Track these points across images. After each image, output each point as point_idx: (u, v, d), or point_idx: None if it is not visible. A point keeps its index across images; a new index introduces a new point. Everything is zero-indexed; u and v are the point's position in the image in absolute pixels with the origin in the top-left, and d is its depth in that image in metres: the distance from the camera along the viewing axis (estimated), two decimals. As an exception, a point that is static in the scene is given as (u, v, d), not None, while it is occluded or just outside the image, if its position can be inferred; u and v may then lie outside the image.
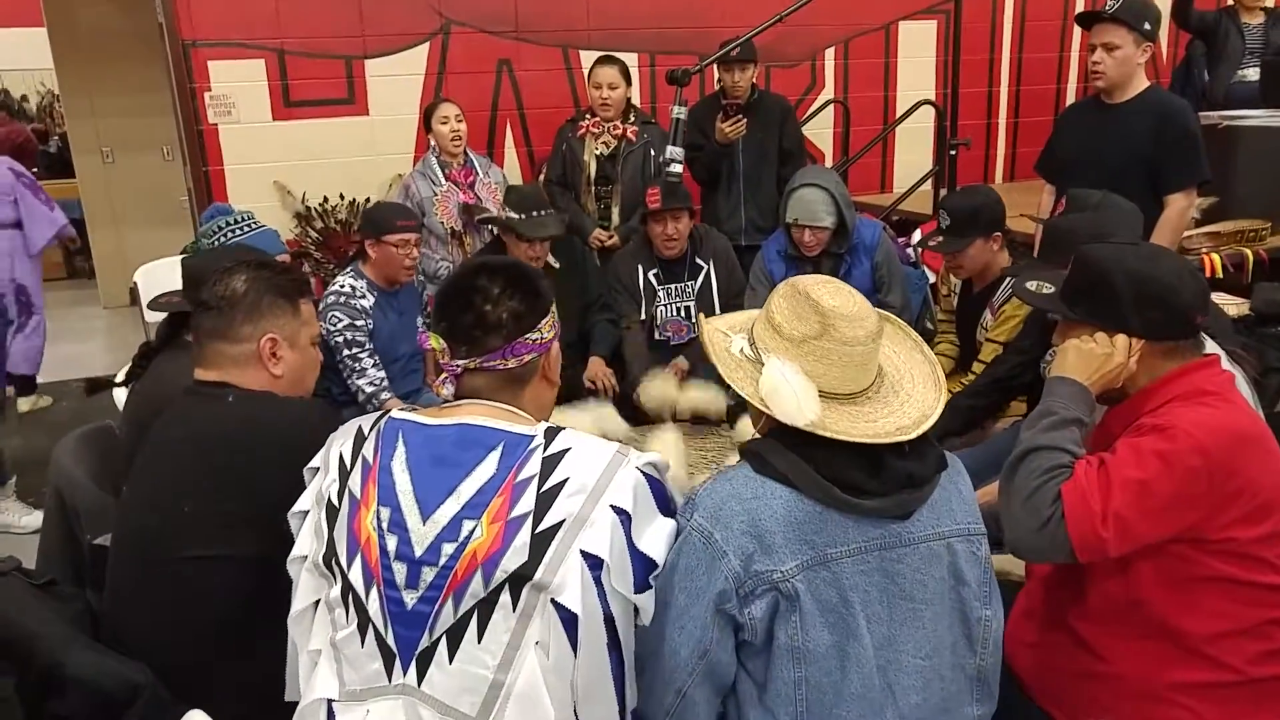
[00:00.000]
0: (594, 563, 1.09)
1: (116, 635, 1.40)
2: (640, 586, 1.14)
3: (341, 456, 1.21)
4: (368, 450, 1.19)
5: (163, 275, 3.19)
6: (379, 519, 1.14)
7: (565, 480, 1.12)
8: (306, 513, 1.24)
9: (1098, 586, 1.36)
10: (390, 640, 1.12)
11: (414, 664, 1.11)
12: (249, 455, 1.39)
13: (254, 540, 1.35)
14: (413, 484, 1.14)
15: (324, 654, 1.19)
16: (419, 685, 1.11)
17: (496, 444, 1.15)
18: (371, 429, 1.21)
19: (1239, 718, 1.29)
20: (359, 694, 1.15)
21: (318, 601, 1.21)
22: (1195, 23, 4.62)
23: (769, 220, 3.50)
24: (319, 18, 3.99)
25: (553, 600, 1.08)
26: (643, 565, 1.14)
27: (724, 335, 1.25)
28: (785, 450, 1.15)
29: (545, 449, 1.14)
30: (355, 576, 1.14)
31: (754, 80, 3.53)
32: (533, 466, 1.13)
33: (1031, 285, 1.59)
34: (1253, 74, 4.47)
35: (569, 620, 1.08)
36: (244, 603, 1.37)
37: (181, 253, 2.78)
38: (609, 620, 1.12)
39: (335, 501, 1.19)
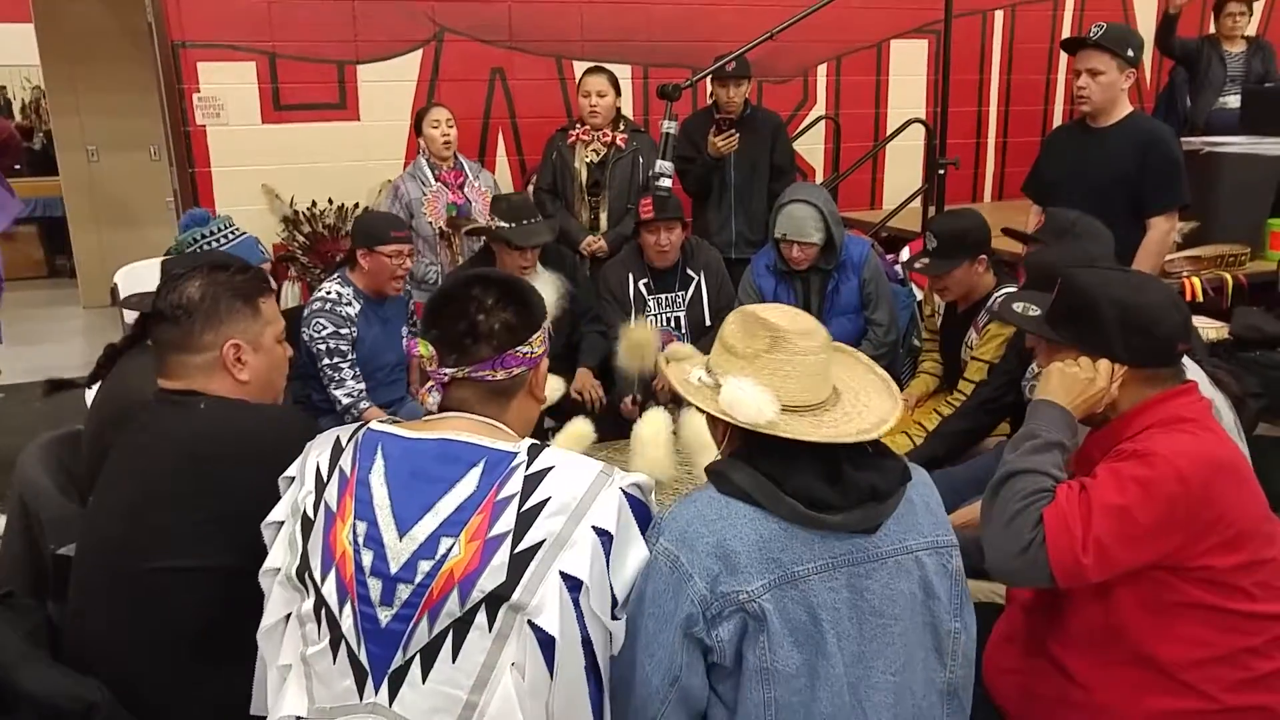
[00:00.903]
0: (573, 584, 1.08)
1: (77, 650, 1.36)
2: (612, 615, 1.13)
3: (318, 467, 1.19)
4: (345, 462, 1.17)
5: (144, 276, 3.15)
6: (355, 533, 1.12)
7: (547, 499, 1.10)
8: (281, 524, 1.22)
9: (1077, 612, 1.37)
10: (363, 657, 1.10)
11: (386, 682, 1.09)
12: (222, 463, 1.35)
13: (225, 551, 1.31)
14: (390, 498, 1.12)
15: (293, 670, 1.16)
16: (390, 704, 1.09)
17: (478, 460, 1.13)
18: (350, 440, 1.20)
19: None
20: (328, 711, 1.12)
21: (289, 615, 1.19)
22: (1178, 50, 4.70)
23: (759, 234, 3.52)
24: (311, 22, 3.98)
25: (530, 621, 1.07)
26: (613, 596, 1.13)
27: (682, 369, 1.28)
28: (748, 468, 1.16)
29: (528, 467, 1.13)
30: (329, 591, 1.12)
31: (747, 96, 3.56)
32: (514, 484, 1.11)
33: (1018, 307, 1.60)
34: (1234, 101, 4.54)
35: (546, 642, 1.07)
36: (212, 616, 1.33)
37: (165, 255, 2.76)
38: (586, 643, 1.10)
39: (310, 514, 1.17)
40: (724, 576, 1.10)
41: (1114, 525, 1.24)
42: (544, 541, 1.08)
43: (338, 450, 1.19)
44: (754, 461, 1.16)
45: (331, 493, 1.16)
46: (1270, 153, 3.52)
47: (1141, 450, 1.29)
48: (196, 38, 3.81)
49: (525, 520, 1.09)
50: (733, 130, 3.35)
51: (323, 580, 1.13)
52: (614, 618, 1.13)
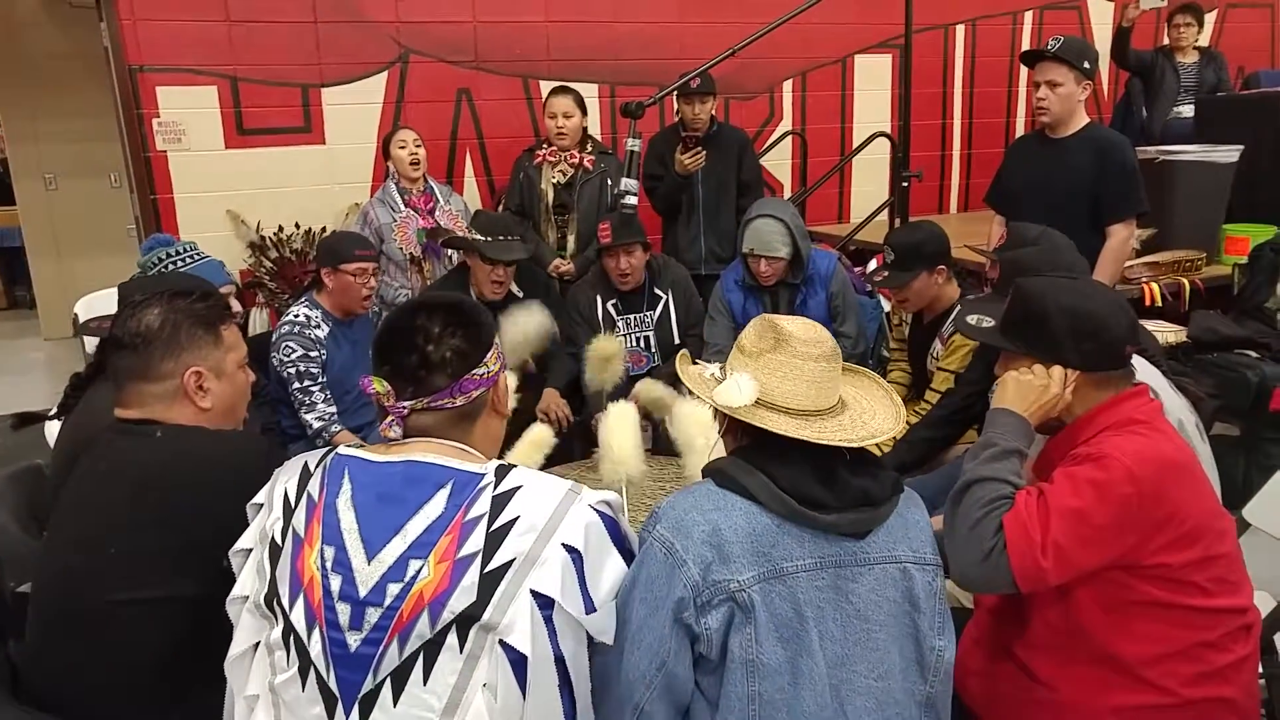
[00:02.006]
0: (544, 602, 1.08)
1: (37, 688, 1.33)
2: (587, 610, 1.13)
3: (286, 493, 1.18)
4: (313, 487, 1.16)
5: (105, 305, 3.09)
6: (323, 558, 1.11)
7: (516, 519, 1.10)
8: (249, 551, 1.20)
9: (1039, 615, 1.38)
10: (332, 683, 1.09)
11: (357, 708, 1.08)
12: (180, 492, 1.33)
13: (187, 581, 1.29)
14: (358, 522, 1.11)
15: (262, 699, 1.15)
16: None
17: (445, 482, 1.13)
18: (318, 465, 1.19)
19: None
20: None
21: (257, 644, 1.17)
22: (1133, 62, 4.81)
23: (728, 250, 3.53)
24: (274, 45, 3.96)
25: (501, 641, 1.06)
26: (587, 601, 1.13)
27: (703, 367, 1.34)
28: (746, 465, 1.20)
29: (495, 487, 1.13)
30: (297, 617, 1.11)
31: (713, 113, 3.58)
32: (482, 505, 1.11)
33: (972, 319, 1.62)
34: (1187, 111, 4.65)
35: (518, 662, 1.07)
36: (175, 648, 1.30)
37: (123, 283, 2.71)
38: (559, 661, 1.10)
39: (279, 540, 1.15)
40: (716, 565, 1.14)
41: (1071, 528, 1.26)
42: (514, 561, 1.08)
43: (305, 475, 1.18)
44: (752, 459, 1.20)
45: (300, 518, 1.14)
46: (1223, 160, 3.60)
47: (1095, 453, 1.32)
48: (155, 61, 3.77)
49: (494, 540, 1.09)
50: (699, 148, 3.37)
51: (291, 606, 1.12)
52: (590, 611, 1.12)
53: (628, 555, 1.21)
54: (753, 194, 3.57)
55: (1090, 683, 1.34)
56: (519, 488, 1.13)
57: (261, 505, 1.21)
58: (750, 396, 1.21)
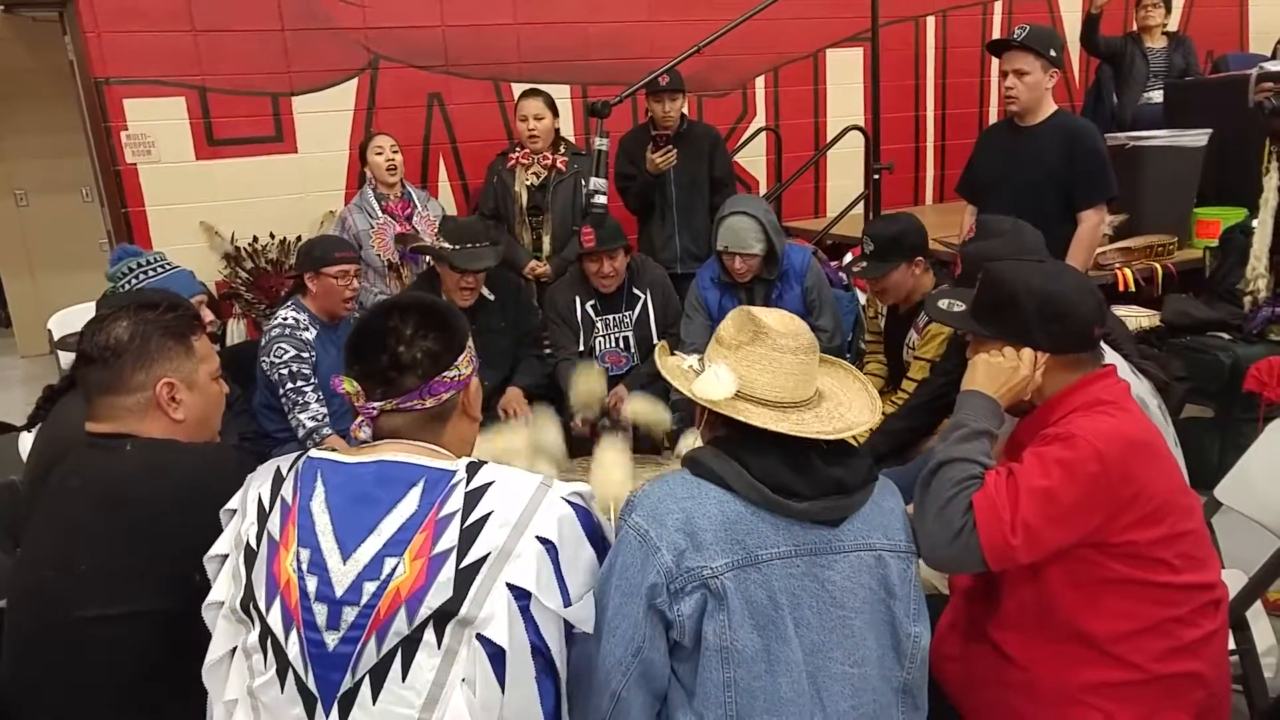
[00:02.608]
0: (520, 594, 1.09)
1: (13, 703, 1.32)
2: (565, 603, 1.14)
3: (260, 498, 1.18)
4: (287, 491, 1.16)
5: (79, 321, 3.05)
6: (298, 560, 1.11)
7: (489, 514, 1.11)
8: (224, 557, 1.20)
9: (1012, 595, 1.40)
10: (311, 684, 1.09)
11: (336, 706, 1.09)
12: (153, 505, 1.32)
13: (160, 595, 1.28)
14: (332, 523, 1.12)
15: (241, 703, 1.15)
16: None
17: (418, 480, 1.14)
18: (290, 469, 1.19)
19: (1147, 714, 1.32)
20: None
21: (234, 649, 1.17)
22: (1102, 48, 4.84)
23: (703, 248, 3.54)
24: (241, 54, 3.93)
25: (479, 635, 1.07)
26: (564, 593, 1.14)
27: (681, 358, 1.34)
28: (721, 455, 1.21)
29: (468, 484, 1.14)
30: (274, 620, 1.11)
31: (683, 110, 3.58)
32: (455, 502, 1.12)
33: (943, 304, 1.63)
34: (1157, 96, 4.68)
35: (496, 655, 1.07)
36: (148, 663, 1.29)
37: (101, 298, 2.69)
38: (538, 651, 1.11)
39: (254, 544, 1.16)
40: (690, 552, 1.14)
41: (1040, 506, 1.27)
42: (489, 555, 1.09)
43: (278, 480, 1.18)
44: (727, 448, 1.21)
45: (274, 522, 1.15)
46: (1192, 144, 3.63)
47: (1063, 433, 1.33)
48: (121, 73, 3.74)
49: (469, 535, 1.10)
50: (670, 146, 3.37)
51: (268, 609, 1.12)
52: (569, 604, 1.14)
53: (601, 545, 1.21)
54: (725, 191, 3.57)
55: (1062, 661, 1.35)
56: (491, 483, 1.14)
57: (235, 511, 1.21)
58: (730, 389, 1.22)
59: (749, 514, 1.18)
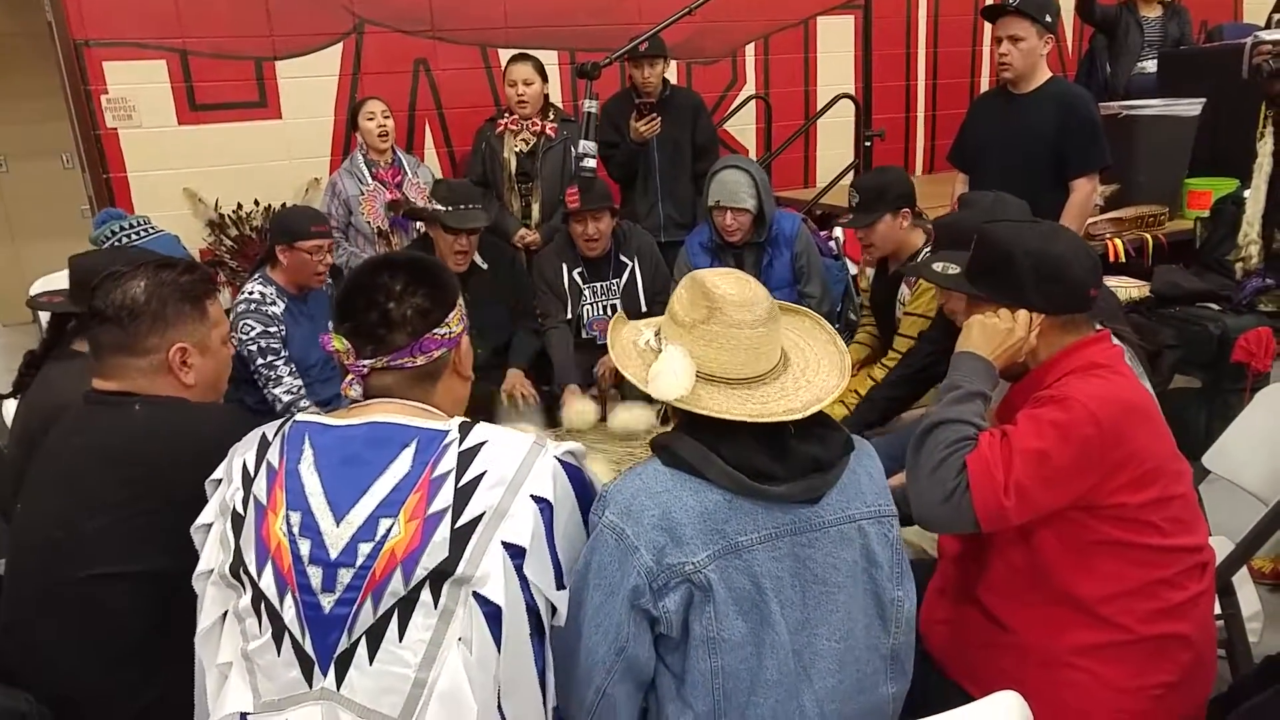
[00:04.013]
0: (516, 552, 1.09)
1: (10, 663, 1.31)
2: (556, 584, 1.13)
3: (245, 465, 1.17)
4: (273, 456, 1.15)
5: (60, 287, 3.02)
6: (289, 524, 1.10)
7: (483, 473, 1.11)
8: (209, 526, 1.19)
9: (1001, 557, 1.40)
10: (308, 646, 1.09)
11: (333, 668, 1.09)
12: (162, 462, 1.31)
13: (168, 554, 1.27)
14: (323, 486, 1.11)
15: (235, 666, 1.14)
16: (339, 689, 1.08)
17: (410, 440, 1.13)
18: (276, 434, 1.18)
19: (1133, 675, 1.33)
20: (276, 704, 1.11)
21: (225, 615, 1.16)
22: (1097, 16, 4.79)
23: (687, 216, 3.51)
24: (224, 17, 3.85)
25: (475, 593, 1.07)
26: (555, 564, 1.14)
27: (637, 331, 1.28)
28: (693, 441, 1.16)
29: (461, 443, 1.13)
30: (267, 584, 1.11)
31: (665, 76, 3.53)
32: (449, 461, 1.11)
33: (938, 266, 1.62)
34: (1151, 66, 4.65)
35: (493, 615, 1.07)
36: (152, 622, 1.29)
37: (72, 257, 2.64)
38: (532, 609, 1.11)
39: (240, 510, 1.15)
40: (670, 549, 1.11)
41: (1033, 468, 1.27)
42: (484, 514, 1.08)
43: (264, 445, 1.18)
44: (698, 434, 1.16)
45: (260, 487, 1.14)
46: (1185, 114, 3.61)
47: (1058, 395, 1.32)
48: (100, 36, 3.66)
49: (463, 495, 1.09)
50: (654, 114, 3.33)
51: (259, 574, 1.11)
52: (559, 587, 1.13)
53: (591, 504, 1.20)
54: (708, 158, 3.53)
55: (1051, 623, 1.35)
56: (484, 443, 1.13)
57: (220, 480, 1.20)
58: (687, 384, 1.16)
59: (726, 502, 1.14)
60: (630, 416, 2.66)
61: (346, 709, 1.08)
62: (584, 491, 1.19)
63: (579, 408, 2.74)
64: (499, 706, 1.09)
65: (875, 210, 2.42)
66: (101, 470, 1.32)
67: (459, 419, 1.18)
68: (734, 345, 1.18)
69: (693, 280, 1.22)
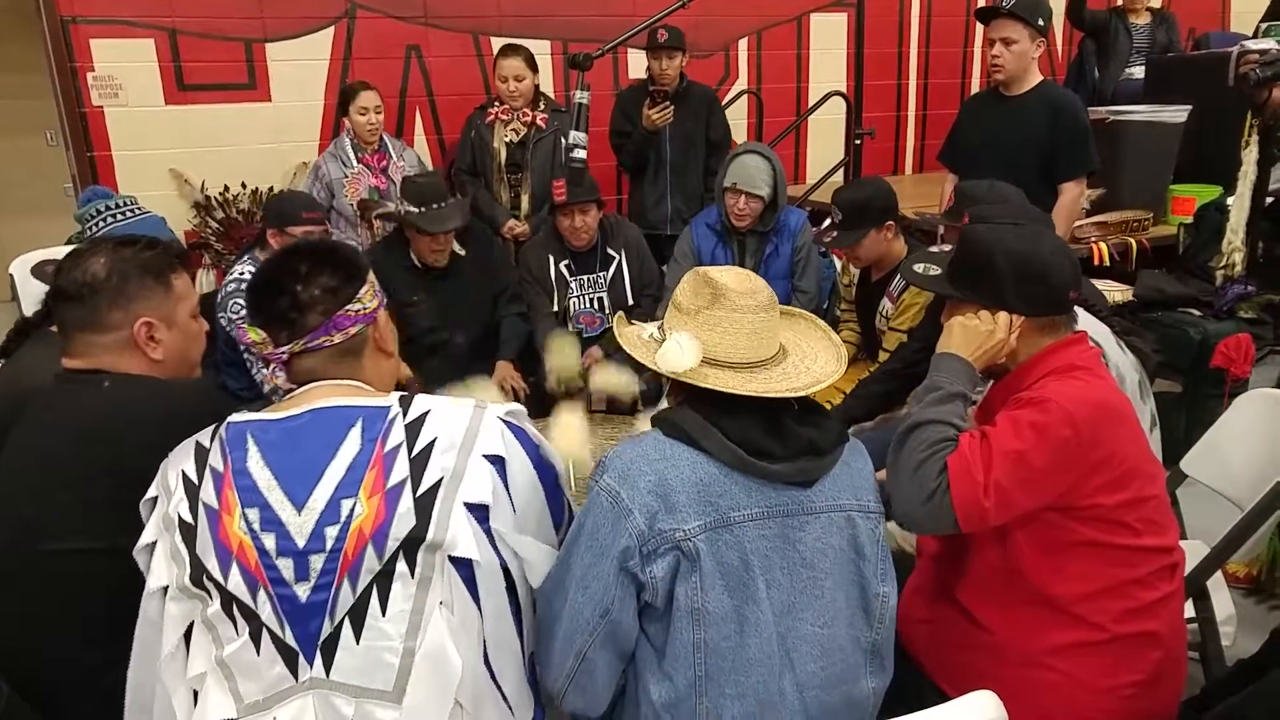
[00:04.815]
0: (480, 513, 1.11)
1: None
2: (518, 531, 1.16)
3: (184, 474, 1.16)
4: (215, 460, 1.15)
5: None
6: (247, 521, 1.10)
7: (434, 440, 1.13)
8: (152, 545, 1.17)
9: (979, 558, 1.41)
10: (289, 639, 1.09)
11: (319, 654, 1.09)
12: (130, 440, 1.30)
13: (136, 531, 1.25)
14: (276, 478, 1.11)
15: (210, 676, 1.13)
16: (328, 675, 1.09)
17: (355, 420, 1.14)
18: (213, 439, 1.17)
19: (1107, 674, 1.35)
20: (261, 704, 1.11)
21: (190, 630, 1.14)
22: (1087, 22, 4.82)
23: (694, 210, 3.51)
24: (213, -3, 3.82)
25: (450, 556, 1.09)
26: (516, 515, 1.16)
27: (641, 328, 1.32)
28: (694, 414, 1.20)
29: (404, 416, 1.15)
30: (236, 585, 1.10)
31: (683, 70, 3.53)
32: (397, 435, 1.13)
33: (919, 268, 1.63)
34: (1139, 72, 4.68)
35: (468, 577, 1.10)
36: (118, 597, 1.26)
37: (67, 242, 2.62)
38: (504, 568, 1.14)
39: (189, 519, 1.13)
40: (662, 515, 1.14)
41: (1013, 469, 1.28)
42: (441, 479, 1.11)
43: (202, 453, 1.17)
44: (699, 409, 1.20)
45: (208, 492, 1.13)
46: (1171, 120, 3.64)
47: (1037, 397, 1.33)
48: (88, 13, 3.62)
49: (419, 464, 1.11)
50: (667, 102, 3.33)
51: (225, 577, 1.10)
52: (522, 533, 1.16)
53: (543, 466, 1.22)
54: (721, 153, 3.53)
55: (1027, 623, 1.37)
56: (428, 412, 1.16)
57: (155, 499, 1.19)
58: (694, 358, 1.20)
59: (722, 475, 1.17)
60: (614, 379, 2.63)
61: (339, 693, 1.09)
62: (530, 446, 1.21)
63: (614, 378, 2.68)
64: (486, 662, 1.11)
65: (860, 227, 2.44)
66: (69, 447, 1.31)
67: (396, 394, 1.20)
68: (737, 329, 1.22)
69: (695, 274, 1.27)
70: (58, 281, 1.40)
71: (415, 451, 1.12)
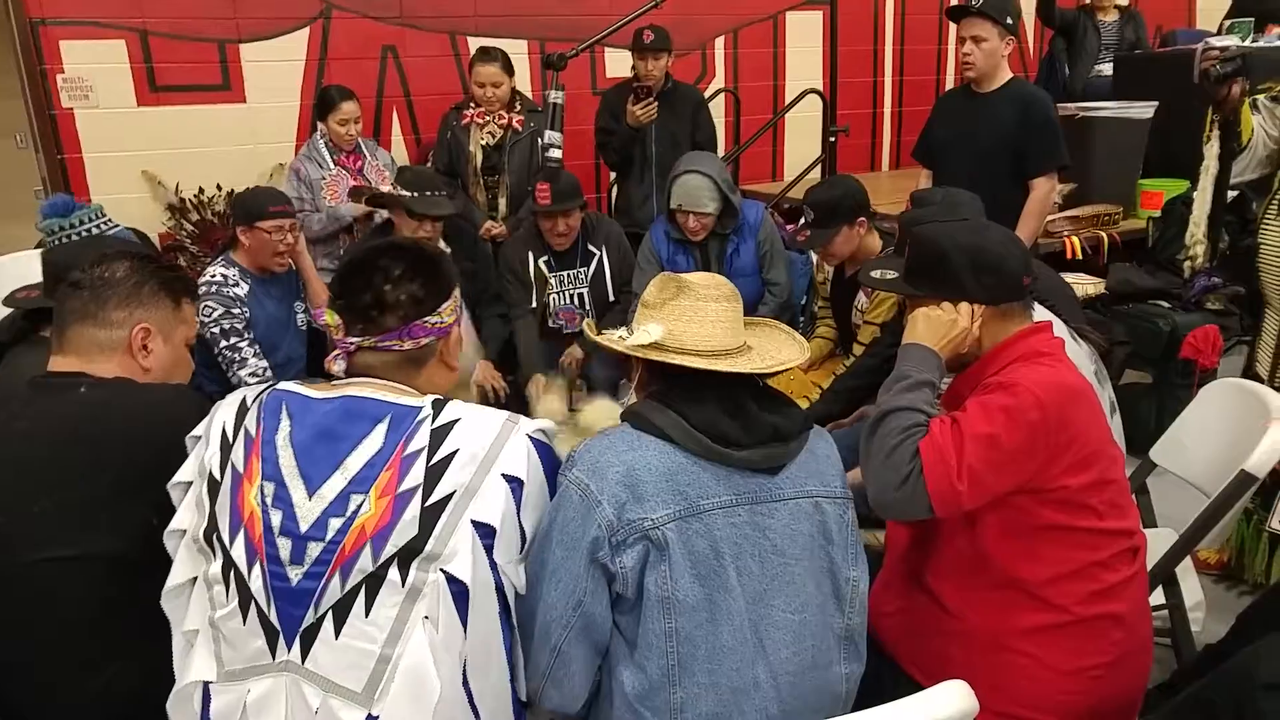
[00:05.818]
0: (485, 532, 1.11)
1: None
2: (521, 557, 1.16)
3: (224, 428, 1.18)
4: (250, 422, 1.16)
5: (12, 271, 2.94)
6: (263, 494, 1.12)
7: (455, 451, 1.12)
8: (188, 484, 1.20)
9: (948, 544, 1.44)
10: (273, 617, 1.10)
11: (298, 641, 1.10)
12: (106, 445, 1.30)
13: (115, 537, 1.27)
14: (297, 458, 1.12)
15: (201, 634, 1.15)
16: (303, 662, 1.10)
17: (383, 416, 1.15)
18: (255, 400, 1.19)
19: (1073, 656, 1.37)
20: (239, 674, 1.12)
21: (194, 580, 1.17)
22: (1057, 20, 4.89)
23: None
24: (185, -2, 3.78)
25: (443, 570, 1.08)
26: (523, 540, 1.16)
27: (609, 334, 1.35)
28: (661, 407, 1.22)
29: (434, 420, 1.15)
30: (237, 553, 1.11)
31: (668, 70, 3.55)
32: (421, 439, 1.13)
33: (876, 273, 1.66)
34: (1108, 69, 4.75)
35: (460, 594, 1.09)
36: (105, 605, 1.28)
37: (37, 246, 2.58)
38: (500, 589, 1.13)
39: (217, 474, 1.15)
40: (631, 504, 1.15)
41: (984, 452, 1.30)
42: (454, 493, 1.10)
43: (243, 410, 1.18)
44: (665, 400, 1.22)
45: (238, 454, 1.15)
46: (1138, 116, 3.70)
47: (1006, 382, 1.36)
48: (57, 14, 3.58)
49: (434, 474, 1.11)
50: (651, 98, 3.34)
51: (231, 542, 1.12)
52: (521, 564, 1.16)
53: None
54: (706, 154, 3.54)
55: (996, 607, 1.39)
56: (457, 420, 1.15)
57: (200, 438, 1.21)
58: (656, 335, 1.24)
59: (690, 464, 1.19)
60: (598, 413, 2.64)
61: (309, 681, 1.09)
62: (553, 470, 1.22)
63: (550, 406, 2.72)
64: (465, 684, 1.10)
65: (832, 225, 2.47)
66: (47, 453, 1.30)
67: (433, 396, 1.20)
68: (702, 318, 1.25)
69: (662, 276, 1.32)
70: (72, 276, 1.42)
71: (434, 461, 1.12)
